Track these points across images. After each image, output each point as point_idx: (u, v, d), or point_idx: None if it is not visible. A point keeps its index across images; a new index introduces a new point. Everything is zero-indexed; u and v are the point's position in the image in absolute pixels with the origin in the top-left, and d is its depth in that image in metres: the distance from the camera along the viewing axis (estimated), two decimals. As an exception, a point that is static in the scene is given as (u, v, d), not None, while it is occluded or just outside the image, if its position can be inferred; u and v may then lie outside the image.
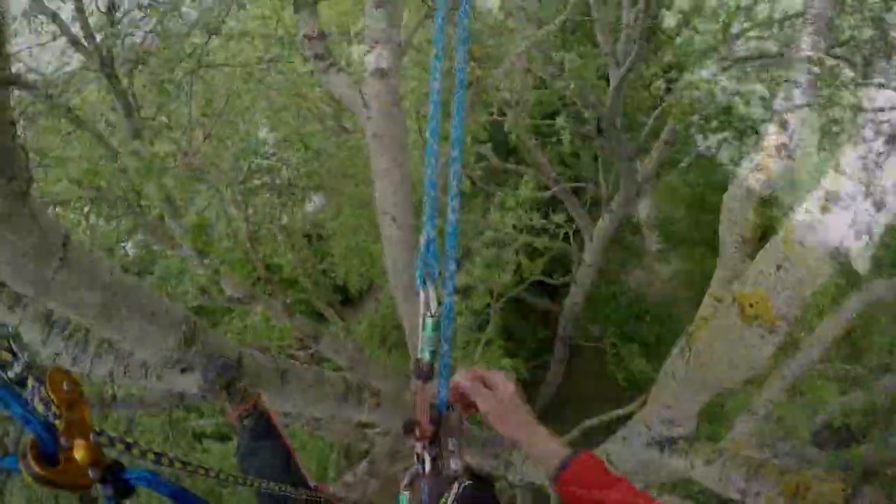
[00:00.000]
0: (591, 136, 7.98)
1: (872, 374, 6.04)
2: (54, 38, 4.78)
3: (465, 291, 7.02)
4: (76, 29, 4.56)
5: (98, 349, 1.86)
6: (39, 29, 4.83)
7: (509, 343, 9.67)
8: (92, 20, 4.54)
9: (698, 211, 11.49)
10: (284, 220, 6.30)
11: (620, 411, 4.45)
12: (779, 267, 1.51)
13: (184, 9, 4.35)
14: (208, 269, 3.79)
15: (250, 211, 4.98)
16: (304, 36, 2.91)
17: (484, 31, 4.65)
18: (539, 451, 0.95)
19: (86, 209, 5.33)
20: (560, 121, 5.62)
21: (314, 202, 7.59)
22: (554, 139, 5.87)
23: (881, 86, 1.38)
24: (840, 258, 1.41)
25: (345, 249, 8.21)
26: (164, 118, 5.12)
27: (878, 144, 1.33)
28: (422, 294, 0.72)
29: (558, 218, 7.66)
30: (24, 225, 1.20)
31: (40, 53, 5.10)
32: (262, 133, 7.02)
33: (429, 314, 0.72)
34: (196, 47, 4.66)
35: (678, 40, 9.65)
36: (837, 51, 4.78)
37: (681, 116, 4.78)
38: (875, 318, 7.58)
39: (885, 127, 1.31)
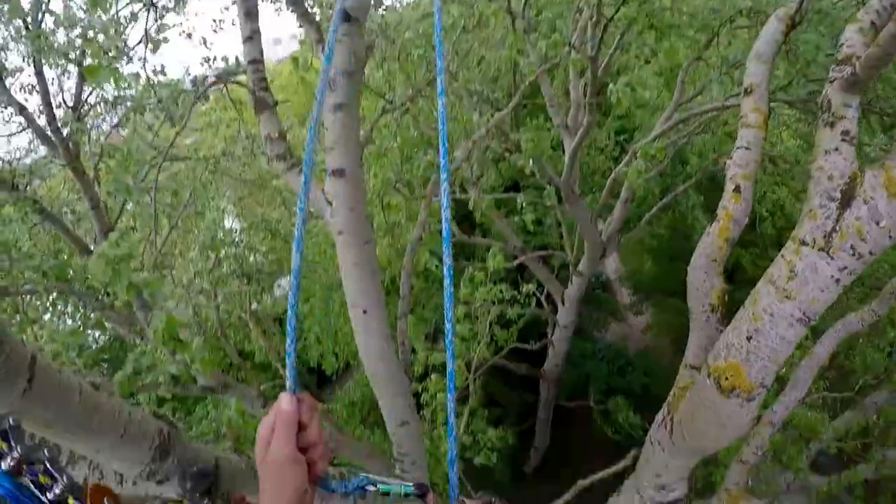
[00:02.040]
0: (551, 206, 8.20)
1: (860, 394, 6.03)
2: (21, 130, 4.81)
3: (442, 369, 6.85)
4: (43, 121, 4.60)
5: (70, 457, 1.79)
6: (7, 119, 4.88)
7: (494, 411, 9.43)
8: (59, 112, 4.59)
9: (666, 260, 11.62)
10: (254, 306, 6.20)
11: (614, 468, 4.37)
12: (749, 338, 1.53)
13: (148, 106, 4.42)
14: (180, 364, 3.68)
15: (219, 299, 4.89)
16: (266, 137, 2.98)
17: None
18: None
19: (52, 297, 5.18)
20: (520, 198, 5.80)
21: (282, 286, 7.52)
22: (516, 212, 6.05)
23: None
24: (810, 321, 1.46)
25: (317, 332, 8.08)
26: (130, 209, 5.11)
27: (833, 210, 1.39)
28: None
29: (528, 287, 7.63)
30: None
31: (7, 143, 5.12)
32: (228, 221, 7.02)
33: None
34: (161, 141, 4.72)
35: (625, 104, 10.06)
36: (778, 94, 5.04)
37: (636, 178, 4.98)
38: (854, 343, 7.69)
39: (836, 193, 1.39)
